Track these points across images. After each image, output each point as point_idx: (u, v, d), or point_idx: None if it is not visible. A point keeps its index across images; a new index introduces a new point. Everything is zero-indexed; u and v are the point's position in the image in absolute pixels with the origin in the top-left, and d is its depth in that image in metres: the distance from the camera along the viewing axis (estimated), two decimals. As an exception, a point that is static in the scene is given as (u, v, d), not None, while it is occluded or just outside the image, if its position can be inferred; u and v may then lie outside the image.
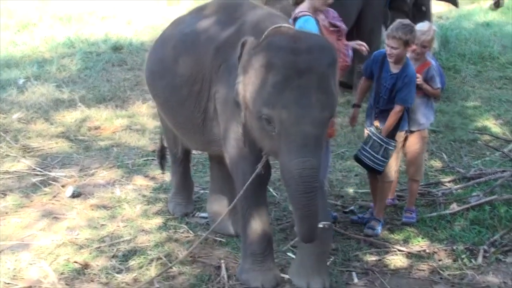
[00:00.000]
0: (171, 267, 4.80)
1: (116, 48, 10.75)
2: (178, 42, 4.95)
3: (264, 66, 3.94)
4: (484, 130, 7.62)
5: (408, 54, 5.29)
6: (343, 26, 5.42)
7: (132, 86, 9.25)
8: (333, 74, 4.04)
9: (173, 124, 5.25)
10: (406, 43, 5.09)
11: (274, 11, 4.80)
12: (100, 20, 13.06)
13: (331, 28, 5.30)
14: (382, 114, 5.29)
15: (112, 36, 11.50)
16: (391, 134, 5.25)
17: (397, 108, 5.19)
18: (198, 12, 5.10)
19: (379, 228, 5.42)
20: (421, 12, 8.87)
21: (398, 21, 5.22)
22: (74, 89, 9.01)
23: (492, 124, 7.94)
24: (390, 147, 5.22)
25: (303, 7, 5.29)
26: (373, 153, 5.23)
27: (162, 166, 6.09)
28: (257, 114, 3.99)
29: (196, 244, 4.87)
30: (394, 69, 5.21)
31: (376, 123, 5.32)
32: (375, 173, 5.43)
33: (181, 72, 4.82)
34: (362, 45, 5.46)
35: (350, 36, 5.85)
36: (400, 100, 5.17)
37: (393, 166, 5.44)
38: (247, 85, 4.06)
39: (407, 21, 5.24)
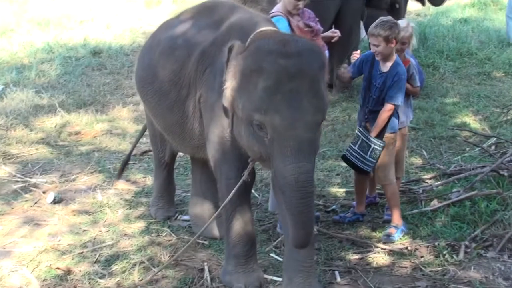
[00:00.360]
0: (156, 273, 4.81)
1: (95, 52, 10.72)
2: (165, 47, 4.95)
3: (254, 71, 3.89)
4: (463, 126, 7.65)
5: None
6: (317, 26, 5.46)
7: (112, 90, 9.23)
8: (322, 77, 4.02)
9: (164, 129, 5.24)
10: (387, 39, 5.07)
11: (259, 14, 4.82)
12: (78, 24, 13.00)
13: (306, 29, 5.34)
14: (372, 115, 5.26)
15: (91, 41, 11.46)
16: (380, 135, 5.20)
17: (387, 107, 5.16)
18: (184, 16, 5.10)
19: (395, 234, 5.29)
20: (394, 9, 8.90)
21: (379, 18, 5.23)
22: (54, 94, 8.97)
23: (471, 120, 7.98)
24: (378, 147, 5.16)
25: (277, 7, 5.36)
26: (361, 153, 5.20)
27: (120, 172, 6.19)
28: (248, 120, 3.94)
29: (183, 250, 4.88)
30: (384, 68, 5.20)
31: (367, 124, 5.30)
32: (362, 174, 5.42)
33: (169, 77, 4.82)
34: (334, 32, 5.56)
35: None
36: (389, 98, 5.15)
37: (392, 168, 5.40)
38: (235, 90, 4.02)
39: (387, 17, 5.25)
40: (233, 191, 4.36)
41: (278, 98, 3.81)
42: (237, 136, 4.19)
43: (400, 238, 5.26)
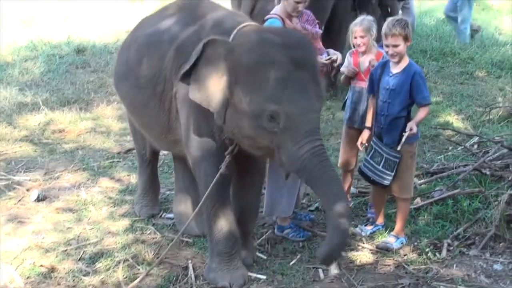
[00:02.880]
0: (145, 274, 4.83)
1: (79, 50, 10.65)
2: (142, 43, 4.98)
3: (263, 63, 3.97)
4: (446, 125, 7.69)
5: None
6: (315, 29, 5.47)
7: (96, 88, 9.19)
8: (318, 66, 4.23)
9: (140, 125, 5.28)
10: (406, 38, 5.02)
11: (235, 11, 4.85)
12: (62, 22, 12.94)
13: (304, 31, 5.33)
14: (389, 124, 5.09)
15: (75, 39, 11.40)
16: (395, 145, 5.04)
17: (424, 111, 5.07)
18: (162, 13, 5.13)
19: (394, 244, 5.22)
20: (387, 13, 8.95)
21: (390, 19, 5.15)
22: (37, 92, 8.92)
23: (454, 119, 8.03)
24: (391, 158, 5.04)
25: (276, 9, 5.39)
26: (374, 164, 5.12)
27: None
28: (258, 112, 4.00)
29: (167, 250, 4.89)
30: (396, 69, 5.10)
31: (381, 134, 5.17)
32: (379, 187, 5.28)
33: (144, 73, 4.83)
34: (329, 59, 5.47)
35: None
36: (423, 99, 5.04)
37: (409, 182, 5.26)
38: (236, 85, 4.06)
39: (398, 16, 5.25)
40: (211, 185, 4.42)
41: (289, 88, 3.94)
42: (233, 129, 4.21)
43: (397, 250, 5.20)
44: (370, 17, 5.56)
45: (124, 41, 5.38)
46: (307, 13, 5.51)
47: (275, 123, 3.97)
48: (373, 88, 5.22)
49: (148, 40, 4.93)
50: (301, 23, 5.41)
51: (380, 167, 5.09)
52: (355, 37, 5.47)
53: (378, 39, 5.45)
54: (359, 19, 5.54)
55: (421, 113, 5.08)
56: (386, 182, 5.15)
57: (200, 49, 4.16)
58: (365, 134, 5.25)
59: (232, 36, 4.22)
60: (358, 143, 5.28)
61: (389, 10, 9.04)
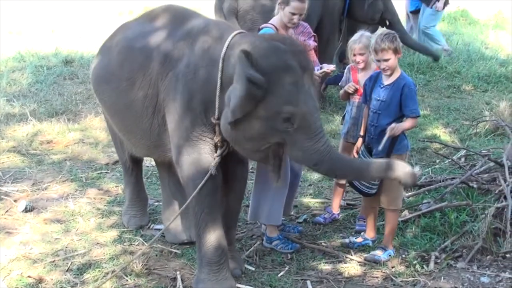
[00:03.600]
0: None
1: (67, 61, 10.65)
2: (124, 47, 4.99)
3: (280, 68, 4.16)
4: (433, 138, 7.72)
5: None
6: (308, 42, 5.52)
7: (84, 100, 9.18)
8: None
9: (120, 129, 5.27)
10: (396, 51, 5.06)
11: (218, 19, 4.94)
12: (50, 34, 12.94)
13: None
14: (378, 139, 5.10)
15: (63, 50, 11.41)
16: (384, 155, 5.03)
17: (410, 122, 5.09)
18: (145, 18, 5.15)
19: (382, 256, 5.22)
20: (386, 26, 9.00)
21: (378, 34, 5.18)
22: (25, 103, 8.91)
23: (442, 133, 8.08)
24: None
25: (273, 20, 5.46)
26: None
27: None
28: (274, 114, 4.18)
29: (151, 242, 4.88)
30: (387, 81, 5.14)
31: (369, 145, 5.20)
32: (366, 196, 5.34)
33: (126, 76, 4.85)
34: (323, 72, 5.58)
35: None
36: (410, 112, 5.06)
37: (399, 194, 5.29)
38: None
39: (386, 30, 5.28)
40: (199, 186, 4.50)
41: (301, 90, 4.20)
42: (236, 133, 4.30)
43: (385, 262, 5.19)
44: (367, 33, 5.59)
45: (103, 45, 5.35)
46: (303, 25, 5.58)
47: (289, 123, 4.18)
48: (366, 99, 5.28)
49: (131, 44, 4.94)
50: (296, 34, 5.45)
51: None
52: (354, 55, 5.51)
53: None
54: (357, 35, 5.56)
55: (407, 123, 5.11)
56: (371, 192, 5.19)
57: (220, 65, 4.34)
58: (359, 143, 5.32)
59: (227, 43, 4.35)
60: (354, 151, 5.35)
61: (387, 23, 9.06)
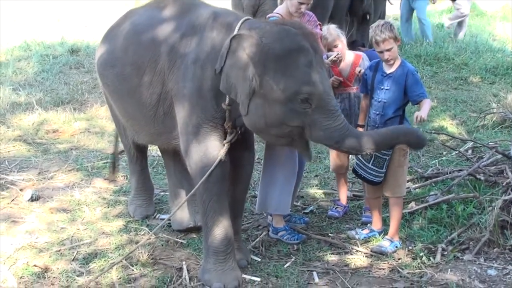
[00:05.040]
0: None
1: (73, 51, 10.65)
2: (130, 32, 4.98)
3: (294, 50, 4.22)
4: (440, 130, 7.71)
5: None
6: (314, 31, 5.47)
7: (90, 89, 9.18)
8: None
9: (123, 114, 5.27)
10: (395, 38, 5.09)
11: (223, 7, 4.92)
12: (56, 23, 12.93)
13: None
14: (383, 127, 5.00)
15: (69, 39, 11.40)
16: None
17: (426, 104, 5.02)
18: (153, 5, 5.13)
19: (388, 247, 5.21)
20: (367, 20, 9.06)
21: (373, 26, 5.17)
22: (31, 92, 8.92)
23: (449, 124, 8.05)
24: (380, 155, 5.08)
25: (279, 9, 5.44)
26: (364, 162, 5.16)
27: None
28: (292, 96, 4.21)
29: (157, 227, 4.87)
30: (389, 69, 5.15)
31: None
32: (370, 184, 5.31)
33: (131, 61, 4.85)
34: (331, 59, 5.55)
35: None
36: (419, 96, 5.06)
37: (402, 181, 5.29)
38: (266, 74, 4.20)
39: (381, 21, 5.25)
40: (208, 172, 4.49)
41: (316, 71, 4.27)
42: (257, 120, 4.33)
43: (392, 254, 5.17)
44: (332, 25, 5.67)
45: (109, 30, 5.34)
46: (309, 14, 5.54)
47: (307, 104, 4.23)
48: (367, 88, 5.28)
49: (137, 30, 4.94)
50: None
51: (369, 165, 5.14)
52: (329, 49, 5.51)
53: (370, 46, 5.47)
54: (324, 30, 5.58)
55: (426, 106, 5.03)
56: (377, 180, 5.20)
57: (228, 44, 4.30)
58: None
59: (236, 30, 4.36)
60: None
61: (368, 17, 9.11)
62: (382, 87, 5.15)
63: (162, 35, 4.72)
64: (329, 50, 5.53)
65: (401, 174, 5.22)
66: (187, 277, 4.78)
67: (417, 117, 4.86)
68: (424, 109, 4.97)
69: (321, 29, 5.59)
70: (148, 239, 5.09)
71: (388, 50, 5.07)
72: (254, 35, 4.23)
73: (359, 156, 5.16)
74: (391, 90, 5.11)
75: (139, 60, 4.78)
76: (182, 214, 5.41)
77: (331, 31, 5.54)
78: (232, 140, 4.55)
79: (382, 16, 10.79)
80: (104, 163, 6.92)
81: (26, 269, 4.87)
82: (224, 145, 4.53)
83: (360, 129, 5.25)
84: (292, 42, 4.22)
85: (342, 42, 5.54)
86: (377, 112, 5.16)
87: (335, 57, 5.49)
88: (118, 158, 6.28)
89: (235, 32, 4.33)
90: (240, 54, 4.24)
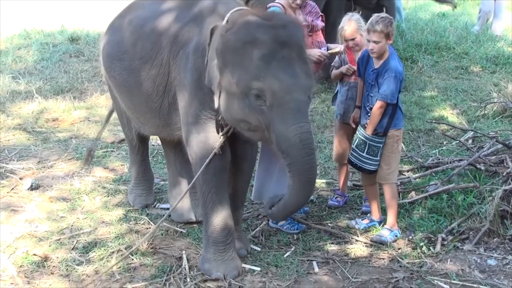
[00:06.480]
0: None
1: (73, 39, 10.61)
2: (137, 26, 4.98)
3: (247, 43, 4.04)
4: (441, 119, 7.68)
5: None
6: (316, 22, 5.45)
7: (90, 78, 9.17)
8: (305, 46, 4.26)
9: (129, 106, 5.27)
10: (388, 36, 5.07)
11: None
12: (56, 11, 12.90)
13: (304, 23, 5.30)
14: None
15: (69, 27, 11.37)
16: (383, 132, 5.16)
17: (377, 104, 5.09)
18: None
19: (388, 237, 5.22)
20: (381, 11, 8.96)
21: (375, 15, 5.18)
22: (31, 80, 8.90)
23: (449, 114, 8.03)
24: (374, 143, 5.13)
25: None
26: (359, 151, 5.20)
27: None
28: (245, 91, 4.05)
29: (161, 221, 4.87)
30: (376, 64, 5.17)
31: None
32: (366, 173, 5.35)
33: (139, 55, 4.86)
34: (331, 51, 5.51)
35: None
36: (380, 95, 5.09)
37: (395, 168, 5.34)
38: (225, 67, 4.13)
39: (384, 14, 5.24)
40: (205, 163, 4.47)
41: (274, 65, 4.00)
42: (225, 112, 4.25)
43: (391, 243, 5.18)
44: (355, 16, 5.55)
45: (113, 23, 5.34)
46: (311, 4, 5.50)
47: (261, 100, 4.02)
48: (360, 72, 5.33)
49: (143, 23, 4.94)
50: (303, 14, 5.39)
51: (364, 154, 5.19)
52: (346, 40, 5.47)
53: None
54: (344, 21, 5.50)
55: (373, 111, 5.13)
56: (373, 168, 5.24)
57: (208, 35, 4.26)
58: (357, 113, 5.41)
59: (225, 20, 4.30)
60: (351, 120, 5.45)
61: (385, 10, 9.02)
62: (369, 81, 5.21)
63: (167, 27, 4.73)
64: (346, 41, 5.47)
65: (394, 160, 5.27)
66: (186, 267, 4.78)
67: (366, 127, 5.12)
68: (373, 118, 5.12)
69: (323, 21, 5.56)
70: (151, 231, 5.07)
71: (374, 42, 5.07)
72: (224, 27, 4.16)
73: (353, 147, 5.23)
74: (375, 86, 5.17)
75: (148, 54, 4.79)
76: (183, 206, 5.41)
77: (352, 22, 5.44)
78: (227, 133, 4.49)
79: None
80: (103, 152, 6.92)
81: (26, 258, 4.88)
82: (220, 138, 4.50)
83: (358, 111, 5.36)
84: (246, 35, 4.05)
85: (361, 35, 5.39)
86: (366, 104, 5.25)
87: (336, 49, 5.46)
88: (96, 146, 6.31)
89: (224, 23, 4.27)
90: (213, 46, 4.20)
